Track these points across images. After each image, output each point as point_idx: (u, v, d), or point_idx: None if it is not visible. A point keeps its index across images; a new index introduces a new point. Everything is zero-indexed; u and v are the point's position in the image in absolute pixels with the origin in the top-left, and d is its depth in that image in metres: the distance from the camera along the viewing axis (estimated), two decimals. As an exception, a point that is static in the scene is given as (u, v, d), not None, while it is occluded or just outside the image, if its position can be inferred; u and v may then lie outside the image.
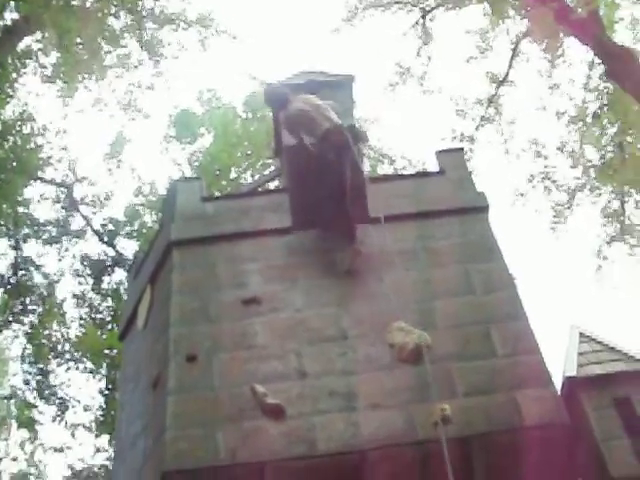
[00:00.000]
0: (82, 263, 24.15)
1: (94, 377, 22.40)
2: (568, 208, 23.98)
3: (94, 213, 25.03)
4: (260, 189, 12.95)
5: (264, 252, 10.09)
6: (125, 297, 15.19)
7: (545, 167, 24.11)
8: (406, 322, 9.07)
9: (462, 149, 11.95)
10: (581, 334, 11.34)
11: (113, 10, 23.11)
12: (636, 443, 9.96)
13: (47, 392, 22.98)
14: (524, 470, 8.27)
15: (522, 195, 24.21)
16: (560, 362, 10.96)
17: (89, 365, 22.39)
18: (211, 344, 9.21)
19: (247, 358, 9.02)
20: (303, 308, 9.33)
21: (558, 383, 10.25)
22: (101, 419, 22.04)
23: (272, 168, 19.43)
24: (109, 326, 22.43)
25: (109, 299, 23.47)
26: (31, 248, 24.65)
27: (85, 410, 22.71)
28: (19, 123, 20.31)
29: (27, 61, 22.38)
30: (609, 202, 23.72)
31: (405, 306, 9.34)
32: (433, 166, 11.51)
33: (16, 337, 24.07)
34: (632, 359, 10.77)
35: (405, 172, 21.83)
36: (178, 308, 9.68)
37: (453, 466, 8.18)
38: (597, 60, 21.78)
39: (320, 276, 9.82)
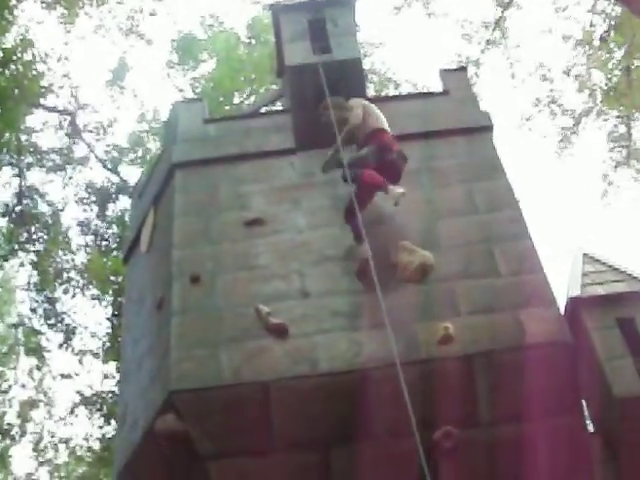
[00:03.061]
0: (86, 191, 24.05)
1: (100, 304, 22.50)
2: (574, 133, 23.83)
3: (97, 140, 24.84)
4: (263, 110, 12.85)
5: (267, 173, 10.05)
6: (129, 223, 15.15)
7: (551, 91, 23.91)
8: (410, 241, 9.06)
9: (466, 68, 11.85)
10: (585, 255, 11.29)
11: None
12: (639, 362, 9.97)
13: (54, 319, 23.08)
14: (527, 388, 8.30)
15: (528, 119, 24.07)
16: (564, 283, 10.94)
17: (95, 292, 22.48)
18: (214, 265, 9.22)
19: (250, 279, 9.04)
20: (306, 229, 9.31)
21: (562, 304, 10.25)
22: (108, 345, 22.15)
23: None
24: (114, 253, 22.40)
25: (114, 226, 23.39)
26: (35, 176, 24.54)
27: (92, 337, 22.81)
28: (20, 50, 20.02)
29: (27, -14, 22.06)
30: (615, 127, 23.55)
31: (409, 226, 9.33)
32: (438, 89, 11.41)
33: (22, 265, 24.00)
34: (636, 280, 10.72)
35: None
36: (181, 230, 9.67)
37: (457, 384, 8.26)
38: (604, -18, 21.47)
39: (323, 197, 9.79)
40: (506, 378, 8.28)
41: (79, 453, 23.92)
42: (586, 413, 9.95)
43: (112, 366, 22.10)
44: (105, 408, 21.80)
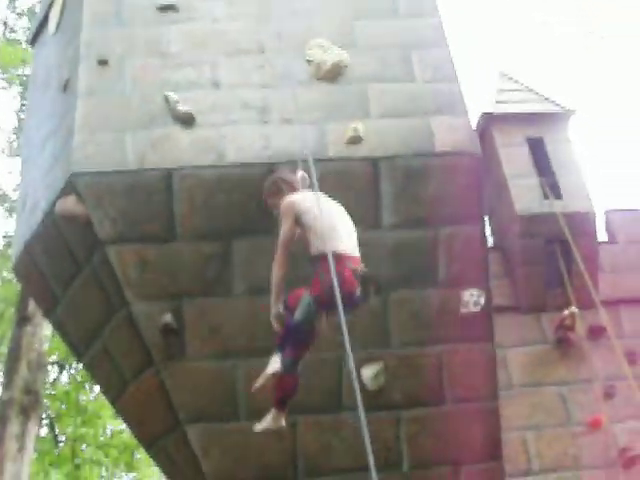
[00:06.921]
0: (-3, -22, 22.98)
1: (7, 96, 21.92)
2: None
3: None
4: None
5: (183, -43, 9.63)
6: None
7: None
8: (325, 39, 8.86)
9: None
10: (502, 73, 11.24)
11: None
12: (544, 182, 10.11)
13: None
14: (431, 195, 8.37)
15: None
16: (479, 99, 10.93)
17: (1, 84, 21.80)
18: (124, 49, 8.90)
19: (161, 65, 8.77)
20: (222, 19, 9.00)
21: (475, 119, 10.25)
22: (14, 139, 21.67)
23: None
24: (23, 46, 21.61)
25: (24, 18, 22.54)
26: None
27: (-3, 131, 22.25)
28: None
29: None
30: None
31: (326, 24, 9.10)
32: None
33: None
34: (549, 101, 10.76)
35: None
36: (91, 10, 9.26)
37: (362, 186, 8.26)
38: None
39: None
40: (411, 183, 8.32)
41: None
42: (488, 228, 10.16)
43: (18, 162, 21.67)
44: (8, 204, 21.50)
